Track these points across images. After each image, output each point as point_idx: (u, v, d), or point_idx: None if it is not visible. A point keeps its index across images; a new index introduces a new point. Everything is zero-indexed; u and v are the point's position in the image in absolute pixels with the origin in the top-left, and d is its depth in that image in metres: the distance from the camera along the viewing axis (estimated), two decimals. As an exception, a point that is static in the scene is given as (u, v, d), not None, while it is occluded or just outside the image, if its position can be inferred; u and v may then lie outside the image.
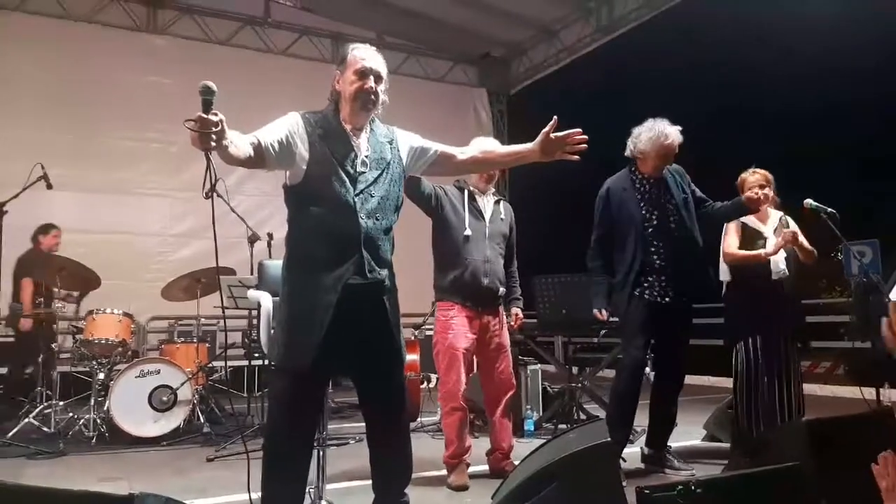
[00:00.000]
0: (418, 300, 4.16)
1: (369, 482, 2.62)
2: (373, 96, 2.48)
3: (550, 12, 10.00)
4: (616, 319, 4.01)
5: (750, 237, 3.86)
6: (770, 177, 3.91)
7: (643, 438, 4.01)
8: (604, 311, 3.85)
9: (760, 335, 3.74)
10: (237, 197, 6.77)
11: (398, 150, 2.60)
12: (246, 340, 5.79)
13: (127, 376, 4.92)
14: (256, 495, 2.39)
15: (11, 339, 6.18)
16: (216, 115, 1.96)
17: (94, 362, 5.12)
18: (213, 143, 1.98)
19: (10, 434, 4.67)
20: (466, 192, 3.79)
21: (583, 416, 5.14)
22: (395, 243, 2.58)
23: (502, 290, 3.83)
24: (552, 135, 2.51)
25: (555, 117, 2.49)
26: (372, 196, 2.46)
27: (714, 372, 7.76)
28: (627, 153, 3.88)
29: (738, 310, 3.88)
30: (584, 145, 2.54)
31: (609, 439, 2.33)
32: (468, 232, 3.68)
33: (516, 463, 3.12)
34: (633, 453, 3.98)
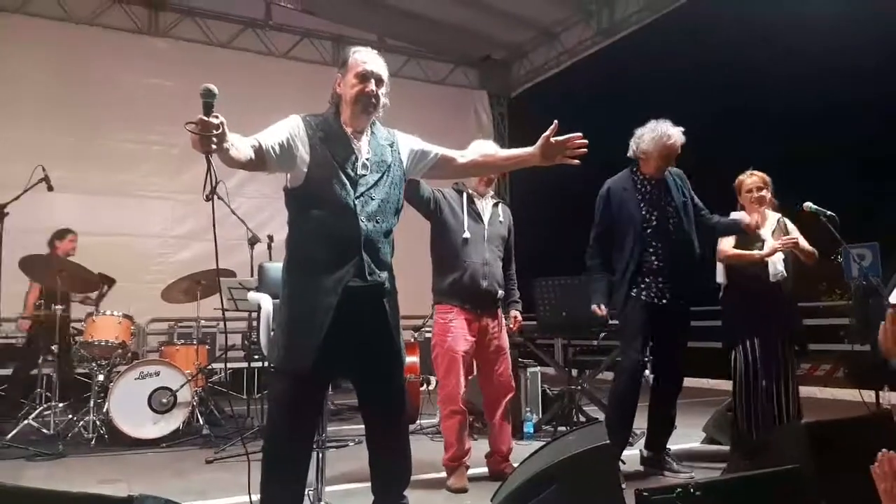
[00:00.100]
0: (418, 302, 4.17)
1: (368, 484, 2.62)
2: (374, 99, 2.48)
3: (551, 15, 10.02)
4: (615, 322, 4.02)
5: (747, 239, 3.87)
6: (767, 179, 3.92)
7: (642, 441, 4.01)
8: (602, 307, 3.82)
9: (758, 338, 3.74)
10: (237, 199, 6.77)
11: (399, 153, 2.60)
12: (246, 342, 5.79)
13: (126, 378, 4.92)
14: (256, 497, 2.39)
15: (14, 340, 6.22)
16: (217, 117, 1.97)
17: (94, 364, 5.12)
18: (214, 146, 1.99)
19: (10, 436, 4.68)
20: (465, 195, 3.79)
21: (582, 419, 5.13)
22: (395, 246, 2.59)
23: (501, 292, 3.83)
24: (553, 139, 2.52)
25: (555, 121, 2.50)
26: (372, 199, 2.46)
27: (713, 374, 7.76)
28: (630, 153, 3.89)
29: (736, 312, 3.88)
30: (585, 149, 2.54)
31: (608, 442, 2.34)
32: (467, 234, 3.68)
33: (516, 465, 3.12)
34: (632, 456, 3.98)
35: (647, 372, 4.26)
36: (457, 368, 3.61)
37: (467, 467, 3.69)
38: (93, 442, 4.78)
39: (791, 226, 3.89)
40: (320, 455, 2.96)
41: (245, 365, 5.94)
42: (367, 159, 2.49)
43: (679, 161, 3.90)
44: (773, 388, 3.70)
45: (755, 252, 3.79)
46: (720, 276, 3.94)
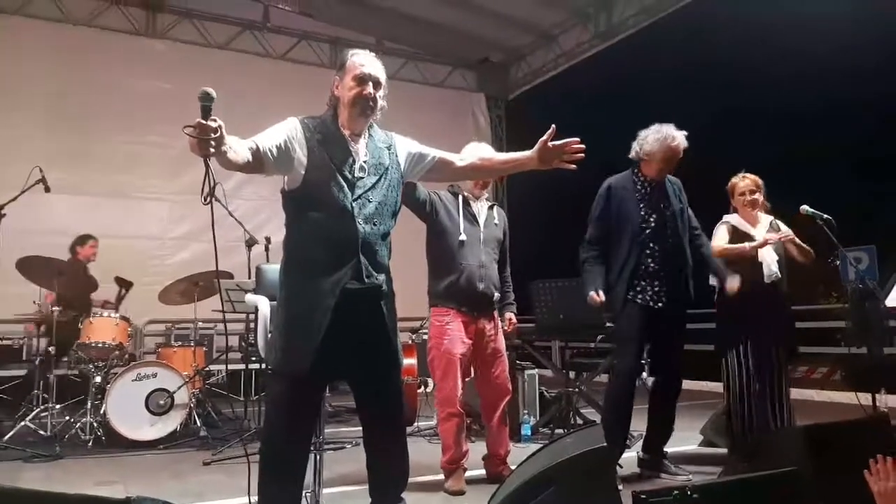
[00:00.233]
0: (416, 304, 4.17)
1: (366, 486, 2.62)
2: (371, 102, 2.49)
3: (549, 18, 10.03)
4: (611, 326, 4.02)
5: (740, 240, 3.88)
6: (760, 182, 3.93)
7: (640, 443, 4.01)
8: (600, 293, 3.72)
9: (752, 341, 3.74)
10: (235, 201, 6.78)
11: (396, 156, 2.61)
12: (243, 344, 5.79)
13: (123, 380, 4.91)
14: (256, 499, 2.39)
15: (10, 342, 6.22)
16: (215, 121, 1.97)
17: (91, 366, 5.12)
18: (212, 150, 1.99)
19: (7, 437, 4.67)
20: (461, 198, 3.79)
21: (580, 421, 5.14)
22: (392, 248, 2.59)
23: (497, 295, 3.83)
24: (550, 143, 2.52)
25: (553, 126, 2.50)
26: (370, 201, 2.47)
27: (711, 377, 7.76)
28: (632, 155, 3.89)
29: (730, 315, 3.88)
30: (582, 154, 2.55)
31: (605, 444, 2.34)
32: (463, 237, 3.68)
33: (513, 468, 3.12)
34: (629, 458, 3.98)
35: (644, 374, 4.27)
36: (454, 371, 3.61)
37: (465, 470, 3.69)
38: (90, 444, 4.77)
39: (784, 228, 3.90)
40: (318, 457, 2.96)
41: (242, 367, 5.93)
42: (364, 162, 2.50)
43: (679, 163, 3.90)
44: (767, 391, 3.70)
45: (745, 244, 3.78)
46: (713, 279, 3.95)
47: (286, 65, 9.81)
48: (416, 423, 5.39)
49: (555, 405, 5.25)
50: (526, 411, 5.18)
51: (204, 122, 1.95)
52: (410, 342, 5.96)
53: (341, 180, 2.43)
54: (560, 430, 4.92)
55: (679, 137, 3.77)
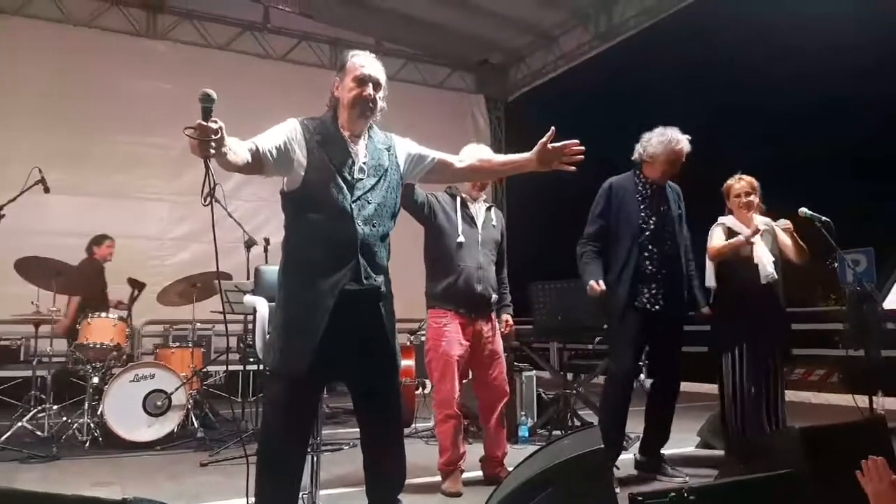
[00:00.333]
0: (414, 306, 4.17)
1: (363, 488, 2.62)
2: (371, 104, 2.49)
3: (549, 19, 10.04)
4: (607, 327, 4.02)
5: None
6: (756, 184, 3.94)
7: (637, 445, 4.02)
8: (600, 282, 3.68)
9: (747, 342, 3.75)
10: (234, 202, 6.78)
11: (396, 157, 2.61)
12: (241, 345, 5.78)
13: (121, 380, 4.90)
14: (253, 500, 2.39)
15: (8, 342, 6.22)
16: (215, 122, 1.97)
17: (89, 366, 5.11)
18: (213, 151, 1.99)
19: (3, 438, 4.65)
20: (459, 199, 3.79)
21: (577, 423, 5.14)
22: (391, 249, 2.59)
23: (495, 296, 3.83)
24: (549, 145, 2.53)
25: (552, 128, 2.50)
26: (369, 202, 2.47)
27: (709, 379, 7.76)
28: (635, 156, 3.89)
29: (726, 316, 3.89)
30: (581, 156, 2.55)
31: (602, 446, 2.34)
32: (461, 239, 3.68)
33: (510, 469, 3.13)
34: (626, 460, 3.99)
35: (642, 377, 4.27)
36: (451, 373, 3.62)
37: (462, 471, 3.69)
38: (87, 444, 4.77)
39: (779, 230, 3.91)
40: (315, 458, 2.96)
41: (240, 368, 5.93)
42: (364, 163, 2.50)
43: (681, 166, 3.90)
44: (762, 393, 3.70)
45: (739, 236, 3.78)
46: (710, 280, 3.95)
47: (286, 66, 9.82)
48: (413, 425, 5.39)
49: (552, 407, 5.25)
50: (523, 413, 5.19)
51: (204, 123, 1.95)
52: (409, 343, 5.96)
53: (341, 182, 2.43)
54: (558, 432, 4.92)
55: (683, 141, 3.77)
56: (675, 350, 3.94)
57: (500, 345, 3.87)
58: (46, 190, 5.04)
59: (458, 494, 3.55)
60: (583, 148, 2.54)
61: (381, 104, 2.54)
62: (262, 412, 2.76)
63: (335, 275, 2.39)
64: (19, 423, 4.89)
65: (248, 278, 5.06)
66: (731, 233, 3.90)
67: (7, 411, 5.41)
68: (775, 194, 3.94)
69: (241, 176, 2.55)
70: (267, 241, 5.45)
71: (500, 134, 11.70)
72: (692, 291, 3.95)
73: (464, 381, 3.84)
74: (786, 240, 3.86)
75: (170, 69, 8.86)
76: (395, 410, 2.62)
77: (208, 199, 2.05)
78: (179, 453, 4.70)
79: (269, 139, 2.35)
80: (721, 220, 4.01)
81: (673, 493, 2.06)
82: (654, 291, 3.73)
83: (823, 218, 3.77)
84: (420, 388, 5.75)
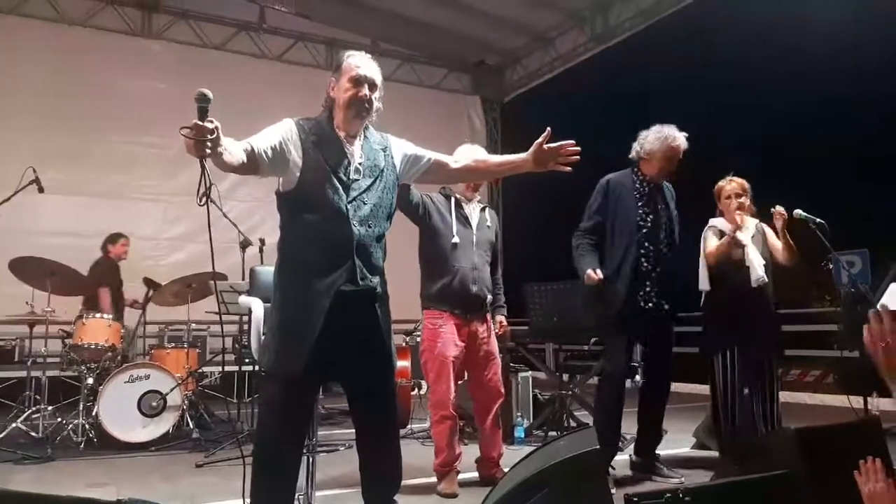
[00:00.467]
0: (409, 307, 4.17)
1: (359, 489, 2.62)
2: (367, 104, 2.49)
3: (545, 20, 10.06)
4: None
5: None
6: (747, 185, 3.95)
7: (632, 446, 4.02)
8: (598, 271, 3.65)
9: (739, 344, 3.75)
10: (229, 202, 6.74)
11: (392, 158, 2.61)
12: (236, 346, 5.77)
13: (116, 381, 4.89)
14: (248, 501, 2.39)
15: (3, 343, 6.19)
16: (212, 122, 1.97)
17: (84, 367, 5.09)
18: (209, 151, 1.99)
19: (-2, 439, 4.65)
20: (453, 200, 3.79)
21: (573, 424, 5.14)
22: (387, 250, 2.59)
23: (490, 297, 3.83)
24: (545, 145, 2.53)
25: (548, 129, 2.51)
26: (365, 203, 2.47)
27: (704, 380, 7.77)
28: (632, 154, 3.89)
29: (717, 318, 3.89)
30: (577, 157, 2.55)
31: (598, 447, 2.34)
32: (456, 239, 3.68)
33: (506, 470, 3.13)
34: (621, 461, 3.99)
35: (637, 377, 4.27)
36: (447, 374, 3.61)
37: (458, 472, 3.69)
38: (82, 445, 4.75)
39: (770, 232, 3.91)
40: (310, 459, 2.95)
41: (236, 369, 5.92)
42: (359, 164, 2.50)
43: (678, 164, 3.90)
44: (757, 395, 3.71)
45: (728, 234, 3.78)
46: (704, 283, 3.96)
47: (282, 66, 9.81)
48: (409, 426, 5.39)
49: (548, 408, 5.25)
50: (519, 414, 5.19)
51: (201, 123, 1.95)
52: (404, 344, 5.95)
53: (336, 182, 2.43)
54: (553, 433, 4.93)
55: (680, 138, 3.78)
56: (667, 349, 3.95)
57: (495, 346, 3.87)
58: (41, 190, 5.03)
59: (454, 495, 3.55)
60: (579, 149, 2.54)
61: (376, 105, 2.53)
62: (257, 413, 2.75)
63: (331, 275, 2.39)
64: (14, 424, 4.88)
65: (243, 279, 5.05)
66: (722, 235, 3.91)
67: (1, 412, 5.39)
68: (775, 194, 3.92)
69: (236, 176, 2.55)
70: (262, 241, 5.44)
71: (497, 135, 11.71)
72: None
73: (459, 382, 3.84)
74: (776, 242, 3.86)
75: (165, 69, 8.85)
76: (391, 411, 2.62)
77: (204, 199, 2.04)
78: (175, 454, 4.69)
79: (265, 139, 2.35)
80: (712, 222, 4.01)
81: (668, 494, 2.06)
82: (647, 289, 3.74)
83: (818, 220, 3.77)
84: (416, 389, 5.74)
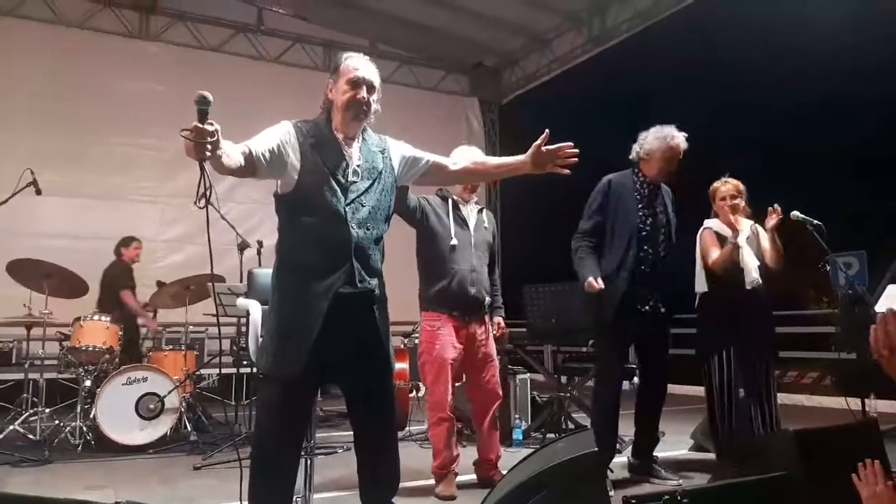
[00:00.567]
0: (408, 309, 4.17)
1: (357, 492, 2.61)
2: (365, 106, 2.48)
3: (543, 22, 10.07)
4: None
5: (722, 245, 3.89)
6: (742, 187, 3.95)
7: (630, 448, 4.02)
8: (599, 280, 3.65)
9: (733, 346, 3.75)
10: (227, 204, 6.75)
11: (390, 160, 2.60)
12: (234, 348, 5.76)
13: (114, 384, 4.88)
14: (246, 504, 2.39)
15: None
16: (212, 124, 1.96)
17: (81, 369, 5.09)
18: (209, 153, 1.98)
19: (-5, 441, 4.64)
20: (450, 202, 3.79)
21: (571, 426, 5.15)
22: (385, 252, 2.59)
23: (488, 299, 3.83)
24: (544, 147, 2.53)
25: (546, 130, 2.51)
26: (363, 205, 2.46)
27: (702, 382, 7.77)
28: (632, 155, 3.89)
29: (712, 320, 3.90)
30: (575, 159, 2.56)
31: (596, 449, 2.34)
32: (454, 241, 3.68)
33: (504, 472, 3.12)
34: (619, 463, 3.99)
35: (636, 379, 4.28)
36: (445, 376, 3.61)
37: (456, 474, 3.69)
38: (79, 448, 4.74)
39: (763, 233, 3.92)
40: (308, 462, 2.95)
41: (234, 371, 5.91)
42: (357, 166, 2.49)
43: (678, 165, 3.90)
44: (753, 396, 3.71)
45: (728, 241, 3.78)
46: (700, 286, 3.96)
47: (280, 68, 9.81)
48: (407, 428, 5.39)
49: (546, 409, 5.25)
50: (517, 416, 5.19)
51: (201, 125, 1.94)
52: (402, 346, 5.95)
53: (334, 184, 2.43)
54: (552, 435, 4.92)
55: (679, 137, 3.79)
56: (663, 350, 3.95)
57: (493, 347, 3.87)
58: (38, 192, 5.01)
59: (452, 498, 3.55)
60: (577, 150, 2.54)
61: (374, 107, 2.53)
62: (255, 415, 2.75)
63: (329, 278, 2.39)
64: (11, 427, 4.87)
65: (241, 281, 5.05)
66: (719, 237, 3.92)
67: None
68: (774, 194, 3.92)
69: (234, 178, 2.54)
70: (260, 243, 5.43)
71: (495, 137, 11.71)
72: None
73: (457, 384, 3.84)
74: (766, 244, 3.87)
75: (162, 71, 8.84)
76: (389, 414, 2.61)
77: (203, 201, 2.04)
78: (172, 457, 4.68)
79: (263, 142, 2.34)
80: (707, 223, 4.01)
81: (666, 496, 2.06)
82: (645, 292, 3.74)
83: (815, 221, 3.78)
84: (414, 391, 5.74)
